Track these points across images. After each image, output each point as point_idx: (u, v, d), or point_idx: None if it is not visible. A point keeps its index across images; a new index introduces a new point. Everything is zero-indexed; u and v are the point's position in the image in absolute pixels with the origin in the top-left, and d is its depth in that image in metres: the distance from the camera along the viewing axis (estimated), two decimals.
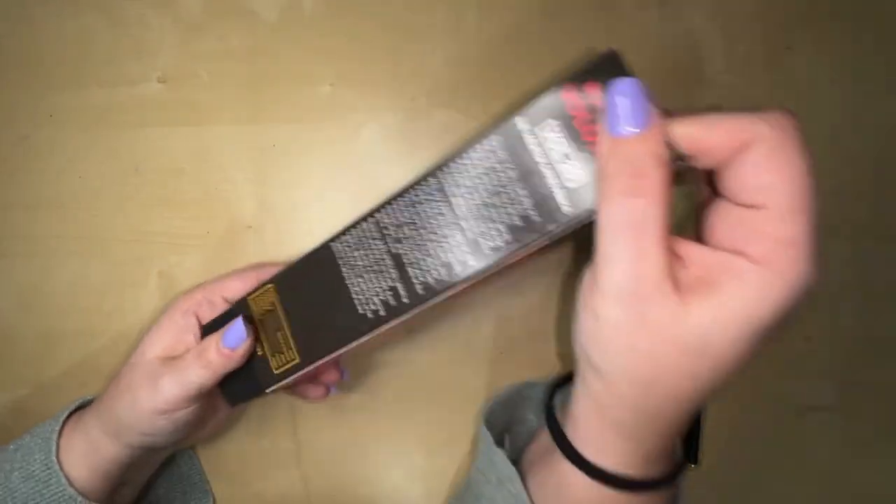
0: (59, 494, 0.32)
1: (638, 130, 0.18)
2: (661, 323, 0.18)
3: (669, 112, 0.20)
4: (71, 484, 0.32)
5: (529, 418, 0.37)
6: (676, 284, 0.18)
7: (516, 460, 0.30)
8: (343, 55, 0.41)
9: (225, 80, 0.41)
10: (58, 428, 0.34)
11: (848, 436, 0.40)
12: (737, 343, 0.18)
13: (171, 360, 0.33)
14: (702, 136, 0.19)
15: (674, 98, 0.40)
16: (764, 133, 0.19)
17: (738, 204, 0.19)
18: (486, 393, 0.41)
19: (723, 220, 0.20)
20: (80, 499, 0.32)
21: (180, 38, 0.41)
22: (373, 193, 0.41)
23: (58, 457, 0.32)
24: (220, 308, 0.36)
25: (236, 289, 0.36)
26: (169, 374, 0.32)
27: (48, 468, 0.32)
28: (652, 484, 0.23)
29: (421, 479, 0.42)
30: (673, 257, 0.19)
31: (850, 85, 0.39)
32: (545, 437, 0.28)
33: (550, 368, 0.41)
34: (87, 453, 0.33)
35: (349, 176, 0.41)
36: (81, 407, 0.37)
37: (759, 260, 0.18)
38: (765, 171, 0.18)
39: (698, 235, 0.22)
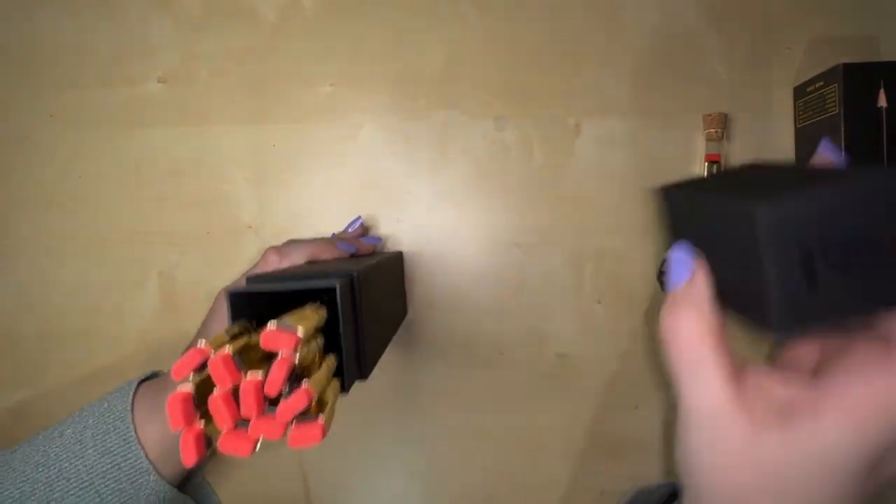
0: (138, 468, 0.32)
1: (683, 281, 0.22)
2: (732, 448, 0.19)
3: None
4: (149, 460, 0.32)
5: None
6: (751, 411, 0.19)
7: None
8: (343, 55, 0.41)
9: (225, 80, 0.41)
10: (129, 409, 0.34)
11: None
12: (814, 479, 0.18)
13: None
14: None
15: (674, 98, 0.40)
16: None
17: None
18: (487, 393, 0.41)
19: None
20: (153, 476, 0.32)
21: (180, 38, 0.41)
22: (373, 193, 0.42)
23: (137, 437, 0.33)
24: None
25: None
26: None
27: (126, 443, 0.32)
28: None
29: (421, 479, 0.42)
30: (744, 385, 0.20)
31: None
32: None
33: (550, 368, 0.41)
34: (170, 454, 0.33)
35: (349, 176, 0.41)
36: (145, 380, 0.36)
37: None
38: None
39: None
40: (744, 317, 0.20)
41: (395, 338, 0.42)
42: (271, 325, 0.22)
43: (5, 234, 0.42)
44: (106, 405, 0.34)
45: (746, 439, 0.19)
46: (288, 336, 0.22)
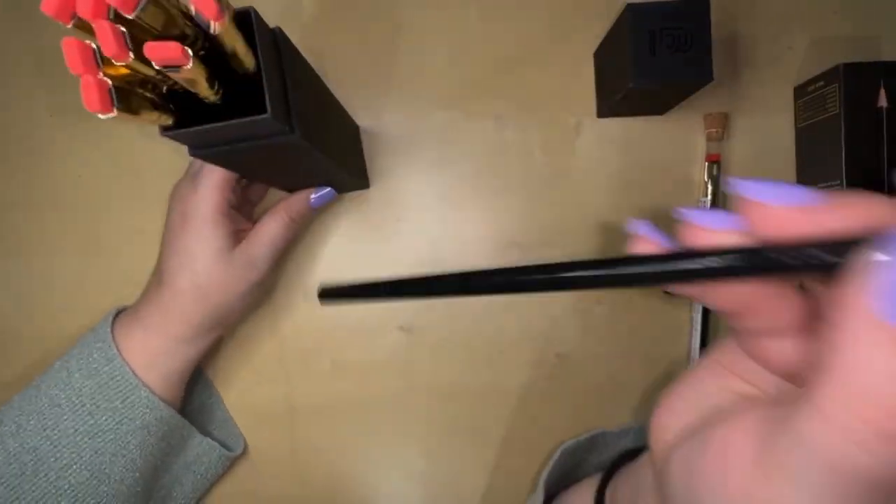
0: (125, 385, 0.32)
1: None
2: None
3: None
4: (136, 375, 0.33)
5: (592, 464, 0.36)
6: None
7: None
8: (343, 55, 0.41)
9: None
10: (109, 330, 0.34)
11: None
12: None
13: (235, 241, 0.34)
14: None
15: None
16: None
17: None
18: (486, 393, 0.41)
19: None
20: (144, 391, 0.33)
21: None
22: (372, 193, 0.42)
23: (119, 353, 0.33)
24: None
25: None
26: (252, 242, 0.34)
27: (110, 362, 0.33)
28: None
29: (420, 479, 0.42)
30: None
31: None
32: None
33: (550, 368, 0.41)
34: (156, 363, 0.34)
35: None
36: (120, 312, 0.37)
37: None
38: None
39: None
40: (617, 93, 0.31)
41: (395, 338, 0.42)
42: None
43: (5, 234, 0.42)
44: (89, 333, 0.35)
45: None
46: None
